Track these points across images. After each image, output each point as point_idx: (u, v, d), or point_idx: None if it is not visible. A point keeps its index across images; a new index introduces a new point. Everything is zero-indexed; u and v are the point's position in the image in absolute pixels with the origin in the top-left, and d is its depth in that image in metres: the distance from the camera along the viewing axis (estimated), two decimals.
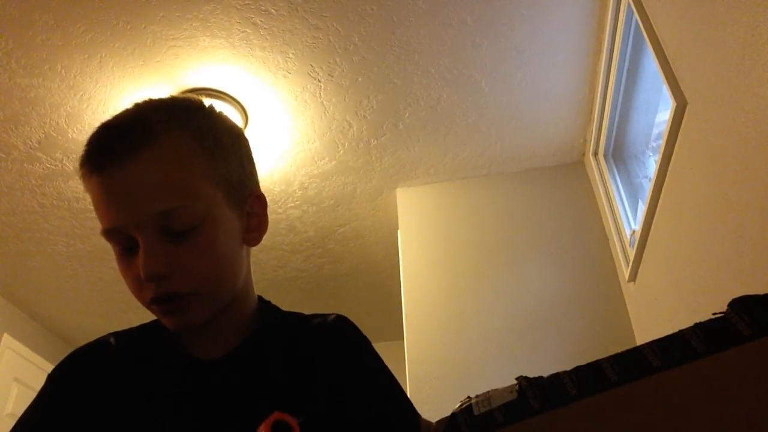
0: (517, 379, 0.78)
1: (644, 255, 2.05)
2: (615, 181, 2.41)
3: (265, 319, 0.77)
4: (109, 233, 0.65)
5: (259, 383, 0.68)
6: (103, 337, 0.77)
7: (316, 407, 0.66)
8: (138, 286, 0.65)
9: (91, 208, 2.45)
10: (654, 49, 1.69)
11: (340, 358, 0.73)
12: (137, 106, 0.71)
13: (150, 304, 0.66)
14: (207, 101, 0.73)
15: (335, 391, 0.69)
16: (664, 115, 1.99)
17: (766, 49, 1.16)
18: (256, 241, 0.75)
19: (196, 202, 0.65)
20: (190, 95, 0.76)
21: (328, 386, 0.70)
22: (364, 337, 0.78)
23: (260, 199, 0.76)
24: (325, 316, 0.79)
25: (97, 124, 2.44)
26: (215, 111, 0.74)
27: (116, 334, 0.77)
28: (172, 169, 0.64)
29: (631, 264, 2.16)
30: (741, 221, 1.35)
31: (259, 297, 0.80)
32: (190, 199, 0.65)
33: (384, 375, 0.76)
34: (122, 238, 0.65)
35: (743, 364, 0.65)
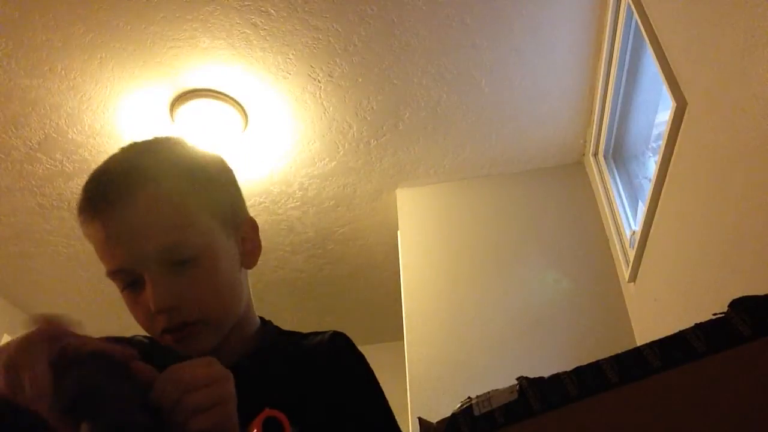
0: (517, 379, 0.78)
1: (644, 255, 2.05)
2: (615, 181, 2.41)
3: (265, 338, 0.79)
4: (114, 273, 0.68)
5: (257, 397, 0.68)
6: (121, 338, 0.78)
7: (312, 421, 0.67)
8: (148, 319, 0.68)
9: None
10: (654, 49, 1.69)
11: (336, 376, 0.74)
12: (125, 151, 0.75)
13: (162, 334, 0.68)
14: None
15: (331, 407, 0.70)
16: (664, 116, 1.99)
17: (766, 49, 1.16)
18: (253, 263, 0.78)
19: (194, 234, 0.68)
20: (168, 135, 0.79)
21: (324, 403, 0.70)
22: (360, 354, 0.79)
23: (252, 224, 0.79)
24: (322, 333, 0.80)
25: (97, 124, 2.45)
26: (196, 145, 0.77)
27: (130, 339, 0.79)
28: (168, 207, 0.68)
29: (631, 264, 2.15)
30: (741, 221, 1.35)
31: (261, 318, 0.81)
32: (188, 232, 0.68)
33: (376, 394, 0.76)
34: (126, 276, 0.68)
35: (743, 364, 0.65)
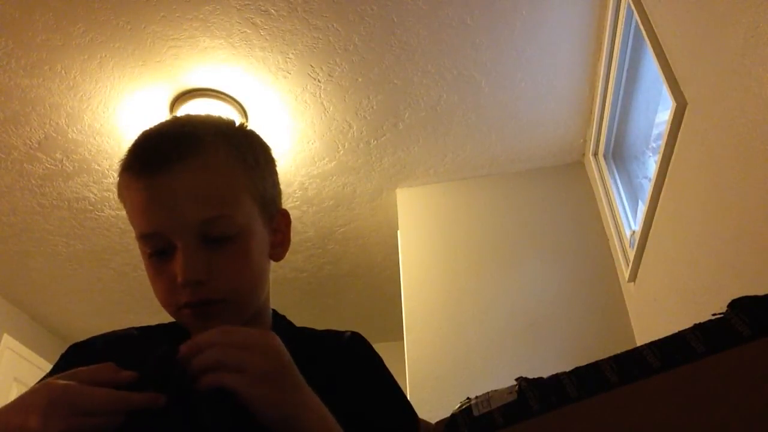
0: (516, 380, 0.78)
1: (644, 255, 2.05)
2: (615, 181, 2.41)
3: (281, 334, 0.78)
4: (147, 237, 0.67)
5: None
6: (126, 329, 0.78)
7: (337, 414, 0.67)
8: (171, 291, 0.66)
9: (91, 208, 2.46)
10: (654, 49, 1.69)
11: (358, 375, 0.74)
12: (180, 120, 0.75)
13: (181, 309, 0.67)
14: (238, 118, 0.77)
15: (353, 406, 0.70)
16: (664, 115, 1.99)
17: (766, 49, 1.16)
18: (280, 256, 0.78)
19: (237, 212, 0.68)
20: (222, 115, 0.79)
21: (345, 402, 0.70)
22: (378, 355, 0.79)
23: (285, 217, 0.80)
24: (340, 333, 0.80)
25: (97, 124, 2.45)
26: (252, 130, 0.78)
27: (139, 329, 0.79)
28: (219, 180, 0.68)
29: (631, 264, 2.15)
30: (741, 221, 1.35)
31: (274, 311, 0.81)
32: (233, 209, 0.68)
33: (398, 392, 0.77)
34: (159, 242, 0.66)
35: (743, 364, 0.65)
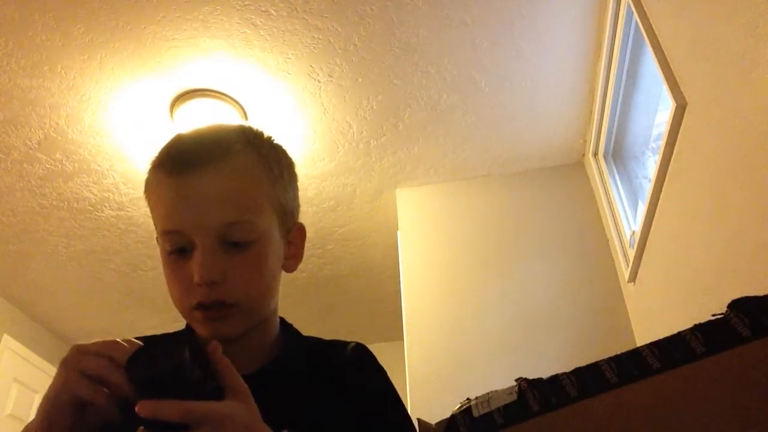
0: (516, 380, 0.78)
1: (644, 255, 2.05)
2: (615, 181, 2.41)
3: (288, 343, 0.80)
4: (169, 234, 0.69)
5: (281, 406, 0.69)
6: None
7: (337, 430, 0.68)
8: (185, 290, 0.68)
9: (91, 208, 2.46)
10: (654, 49, 1.69)
11: (361, 386, 0.75)
12: (213, 126, 0.78)
13: (193, 309, 0.68)
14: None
15: (356, 416, 0.71)
16: (664, 116, 1.99)
17: (766, 49, 1.16)
18: (292, 268, 0.79)
19: (259, 219, 0.70)
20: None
21: (348, 412, 0.71)
22: (381, 367, 0.81)
23: (301, 230, 0.81)
24: (345, 343, 0.82)
25: (96, 124, 2.45)
26: (280, 144, 0.80)
27: (140, 339, 0.79)
28: (245, 185, 0.70)
29: (631, 264, 2.15)
30: (741, 222, 1.35)
31: (282, 319, 0.82)
32: (255, 215, 0.70)
33: (399, 405, 0.79)
34: (179, 240, 0.68)
35: (742, 365, 0.65)
